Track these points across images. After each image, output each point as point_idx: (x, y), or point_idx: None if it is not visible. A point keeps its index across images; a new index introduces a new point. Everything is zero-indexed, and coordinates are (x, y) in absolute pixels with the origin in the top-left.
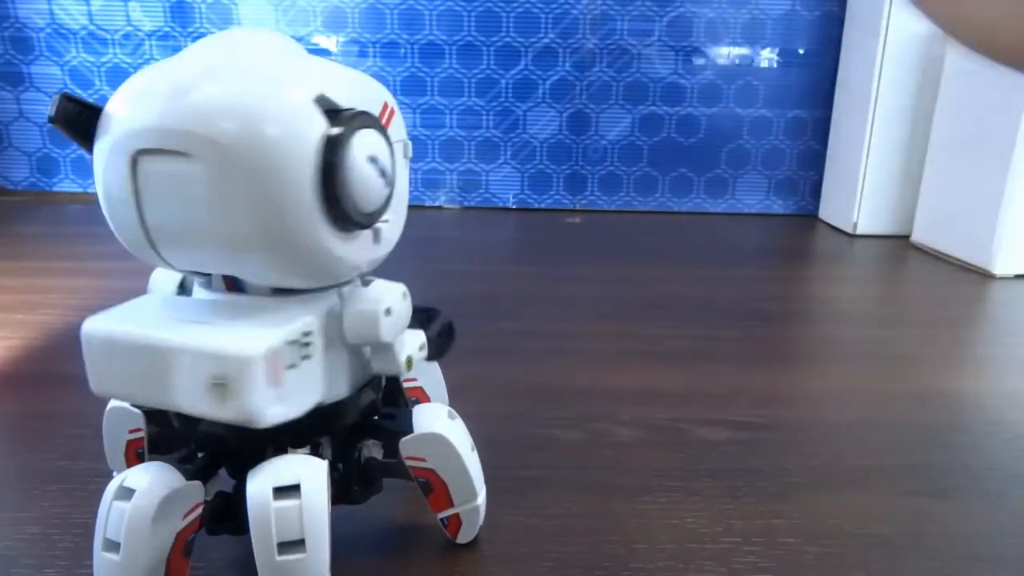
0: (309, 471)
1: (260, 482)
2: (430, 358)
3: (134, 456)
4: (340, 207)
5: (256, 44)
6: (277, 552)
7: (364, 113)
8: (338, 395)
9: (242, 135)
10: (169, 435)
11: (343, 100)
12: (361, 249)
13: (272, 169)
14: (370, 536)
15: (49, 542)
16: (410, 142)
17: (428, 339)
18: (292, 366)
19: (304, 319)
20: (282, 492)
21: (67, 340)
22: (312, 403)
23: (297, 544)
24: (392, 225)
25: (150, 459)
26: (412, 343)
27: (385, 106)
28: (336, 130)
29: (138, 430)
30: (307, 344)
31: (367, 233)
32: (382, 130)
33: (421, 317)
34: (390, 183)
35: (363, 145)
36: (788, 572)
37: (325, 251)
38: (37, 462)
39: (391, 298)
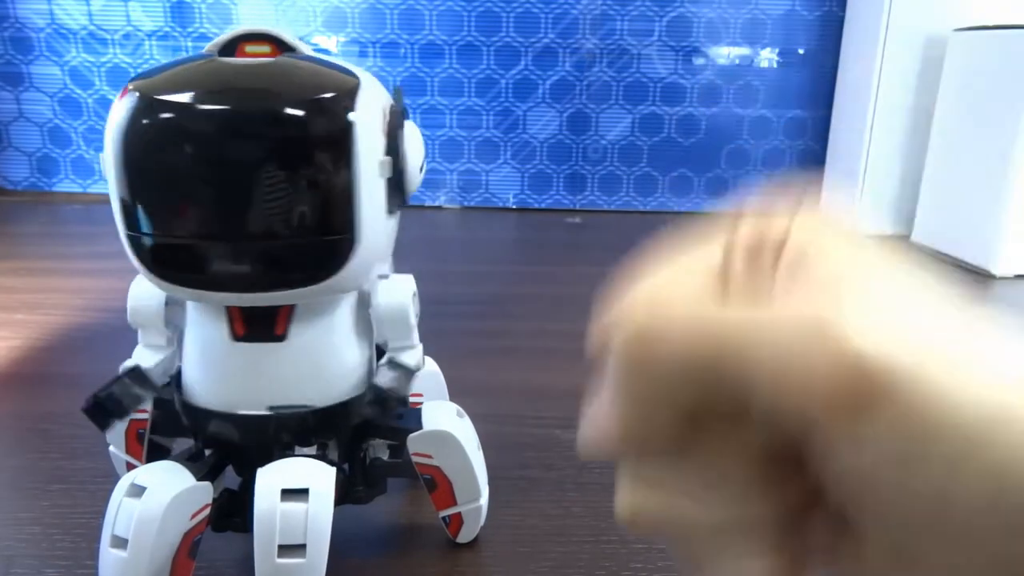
0: (319, 477)
1: (270, 481)
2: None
3: (134, 436)
4: None
5: None
6: (277, 554)
7: None
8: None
9: None
10: (172, 421)
11: None
12: None
13: None
14: (371, 535)
15: (49, 542)
16: None
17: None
18: None
19: None
20: (290, 495)
21: (68, 340)
22: None
23: (298, 548)
24: None
25: (150, 440)
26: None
27: None
28: None
29: (143, 411)
30: None
31: None
32: None
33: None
34: None
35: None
36: None
37: None
38: (37, 462)
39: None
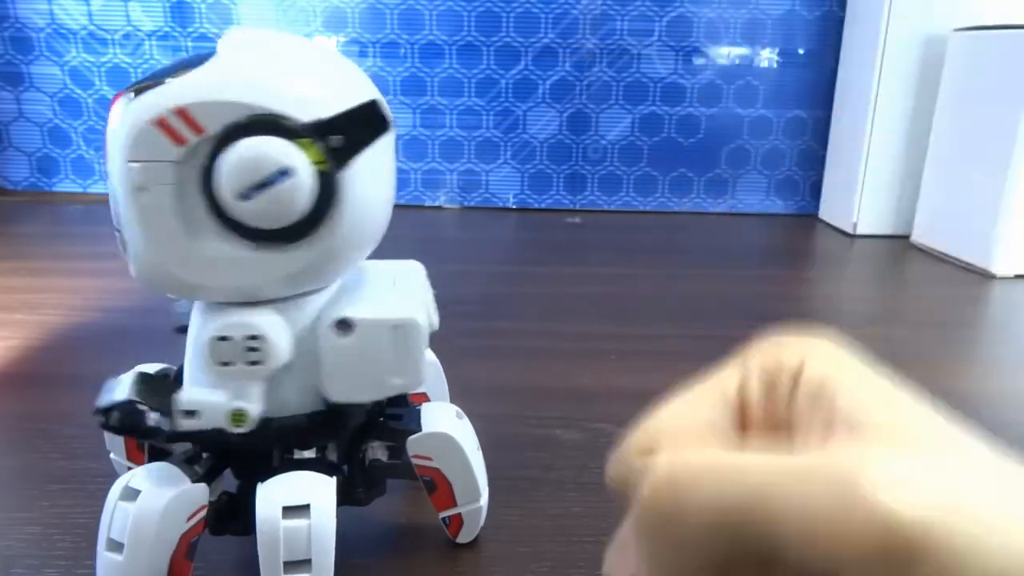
0: (319, 492)
1: (270, 499)
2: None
3: (134, 442)
4: None
5: None
6: (283, 570)
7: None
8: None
9: None
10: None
11: None
12: None
13: None
14: (370, 536)
15: (49, 542)
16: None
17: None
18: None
19: None
20: (292, 511)
21: (67, 340)
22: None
23: (303, 564)
24: None
25: (150, 446)
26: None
27: None
28: None
29: None
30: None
31: None
32: None
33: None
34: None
35: None
36: None
37: None
38: (37, 462)
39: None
